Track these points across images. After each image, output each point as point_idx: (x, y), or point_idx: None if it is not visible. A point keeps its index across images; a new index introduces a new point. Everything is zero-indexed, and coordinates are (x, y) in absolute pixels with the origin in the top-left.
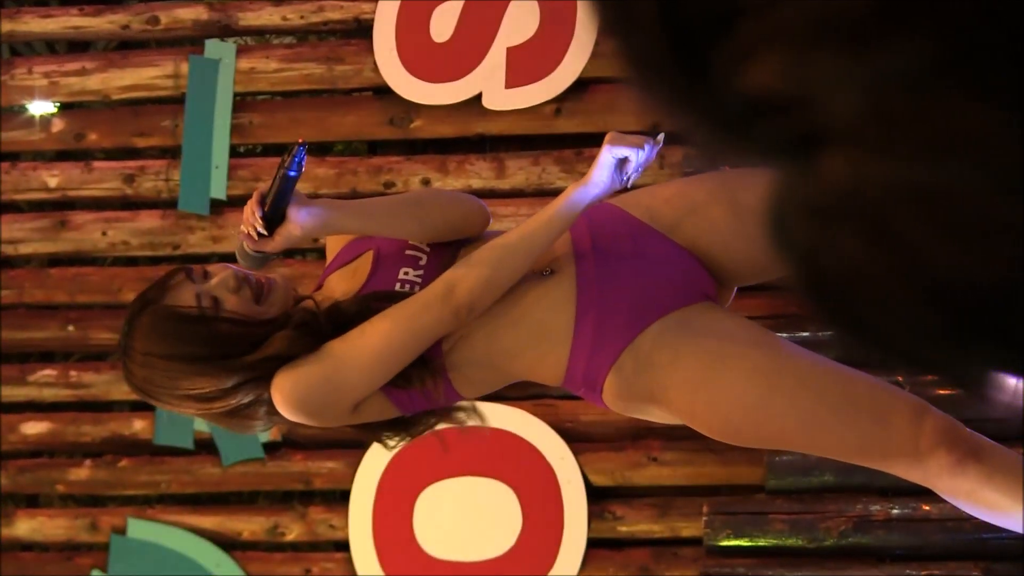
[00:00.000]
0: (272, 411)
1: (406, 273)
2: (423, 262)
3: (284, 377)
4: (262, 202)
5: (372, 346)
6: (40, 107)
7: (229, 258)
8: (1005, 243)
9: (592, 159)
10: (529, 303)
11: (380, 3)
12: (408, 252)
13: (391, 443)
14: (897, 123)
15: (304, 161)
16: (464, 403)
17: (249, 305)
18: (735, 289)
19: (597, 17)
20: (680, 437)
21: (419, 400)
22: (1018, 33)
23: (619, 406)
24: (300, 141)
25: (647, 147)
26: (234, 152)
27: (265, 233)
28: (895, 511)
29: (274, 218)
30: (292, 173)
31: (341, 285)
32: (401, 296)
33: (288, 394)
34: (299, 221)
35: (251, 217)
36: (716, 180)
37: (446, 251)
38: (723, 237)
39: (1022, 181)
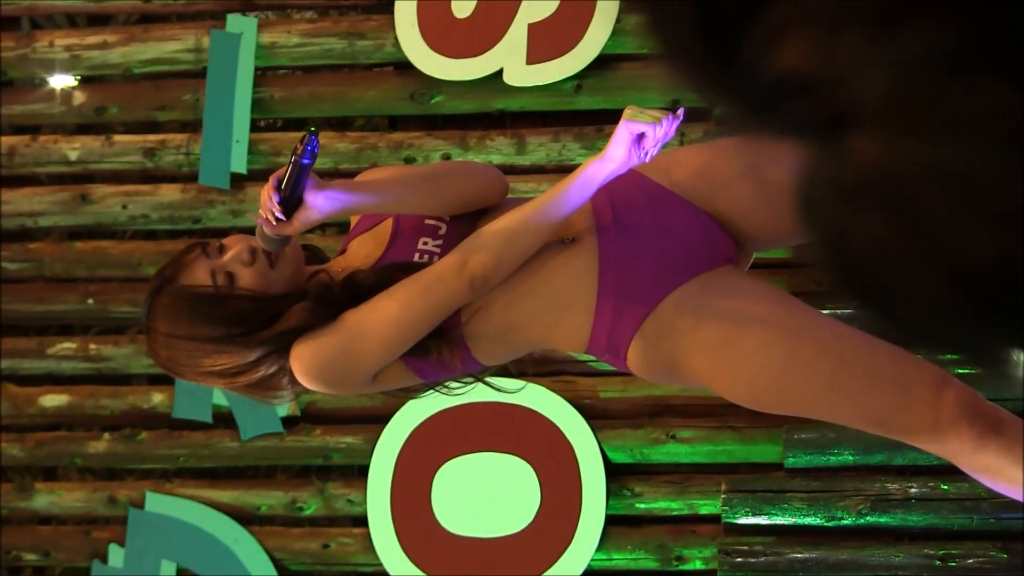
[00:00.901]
0: (295, 380)
1: (425, 243)
2: (442, 231)
3: (302, 348)
4: (278, 187)
5: (388, 318)
6: (61, 80)
7: (249, 232)
8: None
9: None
10: (550, 271)
11: None
12: (428, 221)
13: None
14: (923, 105)
15: (316, 148)
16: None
17: (264, 275)
18: (753, 254)
19: (631, 5)
20: (698, 414)
21: (437, 369)
22: None
23: (643, 371)
24: (312, 128)
25: (666, 122)
26: (255, 126)
27: (283, 218)
28: (913, 490)
29: (291, 202)
30: (306, 161)
31: (362, 250)
32: (418, 267)
33: (307, 365)
34: (316, 206)
35: (268, 202)
36: (737, 145)
37: (466, 219)
38: (742, 203)
39: None
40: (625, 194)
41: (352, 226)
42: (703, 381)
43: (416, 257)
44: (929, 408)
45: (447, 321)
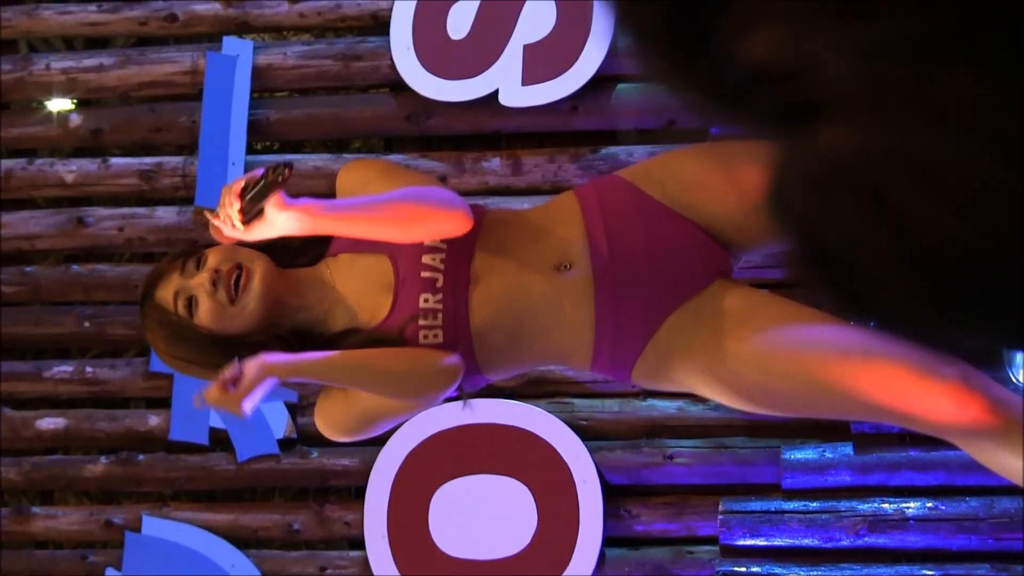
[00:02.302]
0: None
1: (426, 301)
2: (440, 284)
3: (323, 421)
4: (242, 193)
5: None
6: (58, 104)
7: None
8: (998, 212)
9: (609, 157)
10: (549, 299)
11: (397, 0)
12: (425, 275)
13: None
14: (892, 93)
15: (288, 178)
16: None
17: (221, 310)
18: (741, 257)
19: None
20: (696, 436)
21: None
22: (1009, 4)
23: (651, 386)
24: (289, 163)
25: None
26: (251, 149)
27: (239, 226)
28: (911, 511)
29: (251, 211)
30: (272, 188)
31: (354, 280)
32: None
33: (331, 433)
34: (277, 223)
35: (228, 208)
36: (724, 151)
37: (462, 263)
38: (733, 211)
39: (1015, 150)
40: (619, 211)
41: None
42: (710, 395)
43: (420, 319)
44: (935, 396)
45: (458, 349)
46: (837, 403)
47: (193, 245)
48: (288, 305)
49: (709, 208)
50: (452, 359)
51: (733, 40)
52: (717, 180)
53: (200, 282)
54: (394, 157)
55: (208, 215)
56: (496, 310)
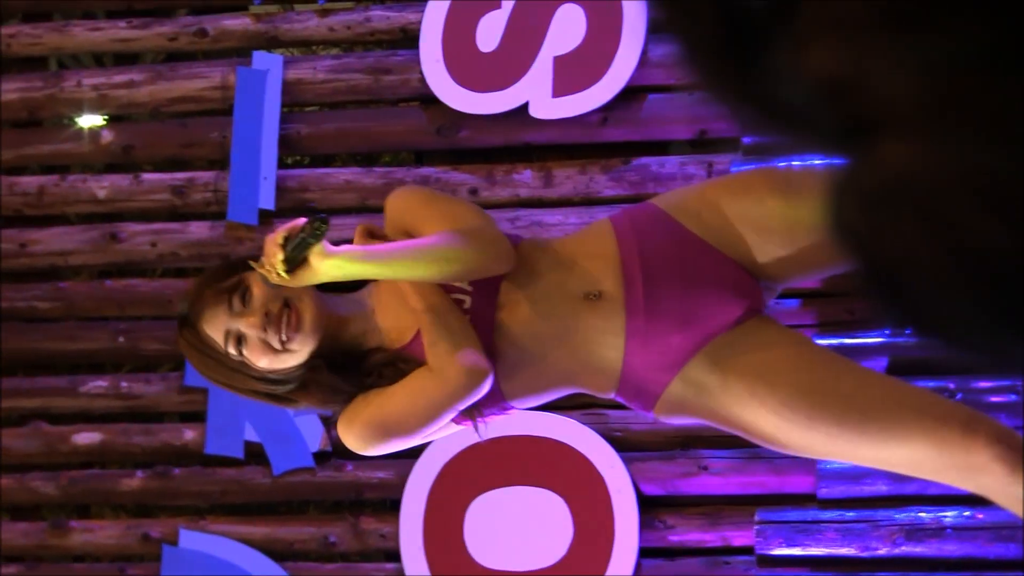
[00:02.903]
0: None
1: None
2: (467, 305)
3: (346, 432)
4: (284, 244)
5: (420, 416)
6: (89, 120)
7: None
8: None
9: (640, 168)
10: (578, 327)
11: (426, 13)
12: (452, 296)
13: None
14: (952, 109)
15: (326, 229)
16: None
17: (274, 355)
18: (778, 289)
19: (656, 11)
20: (730, 446)
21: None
22: None
23: (673, 420)
24: (324, 218)
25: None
26: (282, 163)
27: (285, 276)
28: (948, 519)
29: (295, 261)
30: (311, 240)
31: (391, 305)
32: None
33: (355, 446)
34: (320, 270)
35: (272, 258)
36: (766, 180)
37: (491, 286)
38: (772, 243)
39: None
40: (656, 242)
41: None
42: (735, 431)
43: None
44: (960, 448)
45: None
46: (861, 450)
47: (229, 264)
48: (337, 336)
49: (746, 242)
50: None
51: (790, 56)
52: (754, 212)
53: (251, 324)
54: (425, 170)
55: (254, 265)
56: (522, 334)
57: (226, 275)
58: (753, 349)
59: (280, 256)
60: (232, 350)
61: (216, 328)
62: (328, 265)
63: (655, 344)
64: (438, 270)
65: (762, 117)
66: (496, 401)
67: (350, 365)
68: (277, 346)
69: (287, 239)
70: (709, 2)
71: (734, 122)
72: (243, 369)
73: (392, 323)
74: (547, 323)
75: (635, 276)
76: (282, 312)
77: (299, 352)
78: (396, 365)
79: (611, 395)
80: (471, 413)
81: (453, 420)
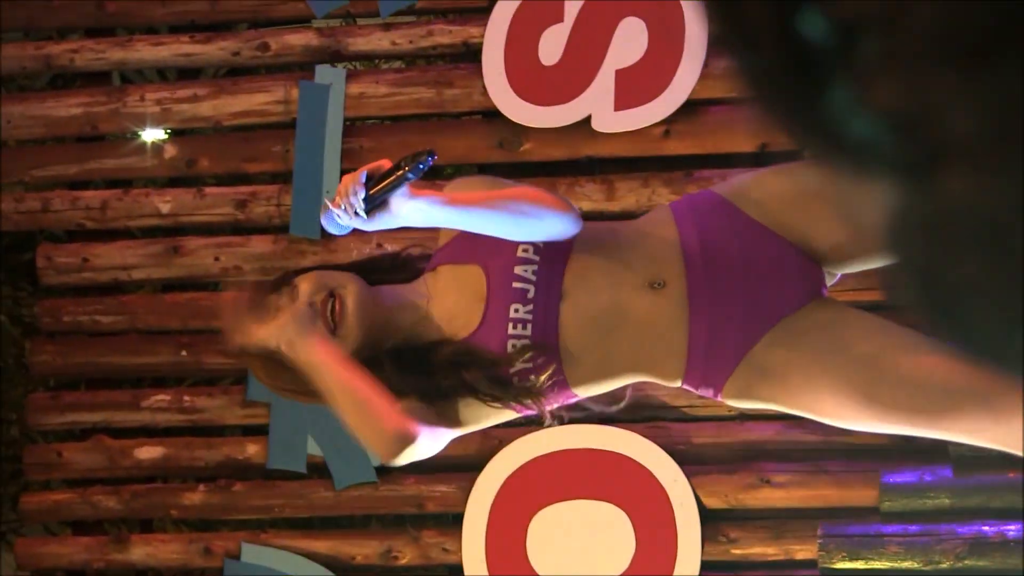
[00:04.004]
0: None
1: (516, 311)
2: (530, 295)
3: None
4: (367, 182)
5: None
6: (152, 134)
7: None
8: None
9: (702, 181)
10: (641, 317)
11: (489, 27)
12: (516, 285)
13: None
14: (1016, 141)
15: (427, 169)
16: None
17: None
18: (838, 275)
19: (716, 36)
20: (793, 459)
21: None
22: None
23: (740, 405)
24: (431, 151)
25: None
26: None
27: (364, 216)
28: (1012, 533)
29: (374, 200)
30: (411, 176)
31: (450, 292)
32: (500, 361)
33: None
34: (402, 214)
35: (352, 196)
36: (820, 169)
37: (554, 276)
38: (833, 228)
39: None
40: (716, 228)
41: (441, 243)
42: (803, 412)
43: (510, 328)
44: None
45: (547, 360)
46: (918, 425)
47: (282, 275)
48: (387, 325)
49: (805, 227)
50: None
51: (854, 88)
52: (814, 198)
53: None
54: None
55: (327, 203)
56: (587, 325)
57: (278, 281)
58: (815, 330)
59: (362, 194)
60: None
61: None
62: (410, 208)
63: (719, 331)
64: (513, 220)
65: (824, 146)
66: (560, 388)
67: (415, 361)
68: (324, 333)
69: (371, 177)
70: (771, 32)
71: (796, 149)
72: (296, 367)
73: (454, 311)
74: (612, 308)
75: (696, 264)
76: (326, 301)
77: (348, 338)
78: (464, 361)
79: (678, 383)
80: (535, 400)
81: (516, 408)
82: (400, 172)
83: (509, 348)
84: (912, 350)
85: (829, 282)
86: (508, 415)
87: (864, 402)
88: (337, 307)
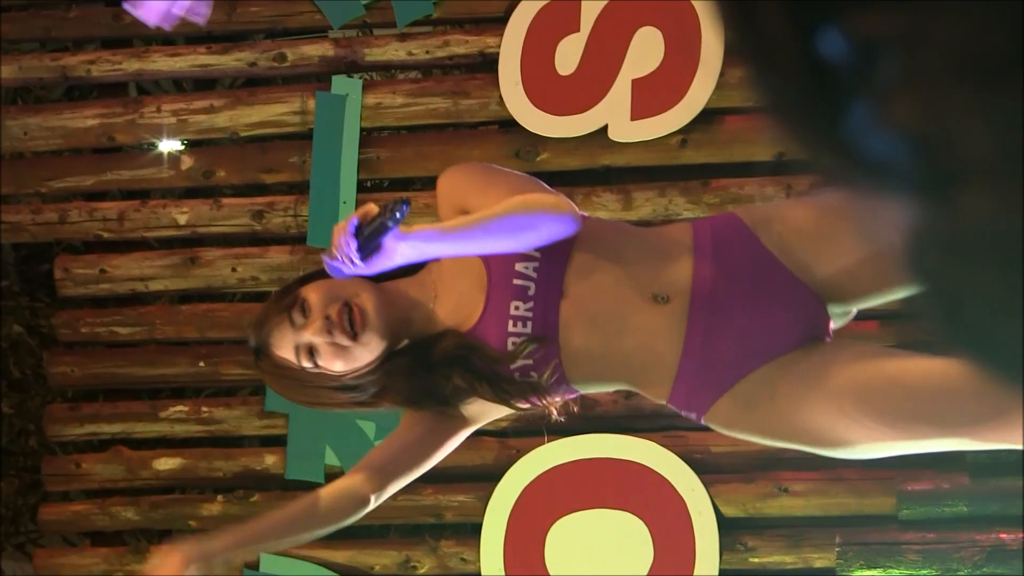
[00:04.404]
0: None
1: (516, 308)
2: (532, 292)
3: None
4: (356, 232)
5: None
6: (169, 144)
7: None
8: None
9: (719, 190)
10: (639, 328)
11: (505, 36)
12: (517, 282)
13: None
14: None
15: (406, 214)
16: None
17: (345, 352)
18: (854, 311)
19: (737, 56)
20: (811, 467)
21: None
22: None
23: (723, 431)
24: (406, 199)
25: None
26: (361, 187)
27: (360, 264)
28: None
29: (368, 247)
30: (392, 225)
31: (454, 284)
32: (503, 358)
33: None
34: (396, 253)
35: (345, 248)
36: (844, 202)
37: (555, 273)
38: (849, 265)
39: None
40: (730, 256)
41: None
42: (789, 444)
43: (510, 325)
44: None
45: (547, 357)
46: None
47: (285, 287)
48: (402, 323)
49: (821, 264)
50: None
51: (873, 107)
52: (832, 233)
53: (315, 331)
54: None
55: (324, 255)
56: (586, 324)
57: (283, 296)
58: (807, 366)
59: (354, 244)
60: (307, 364)
61: (286, 348)
62: (404, 247)
63: (711, 357)
64: (510, 239)
65: (842, 164)
66: (561, 383)
67: (421, 359)
68: (347, 343)
69: (360, 226)
70: (791, 51)
71: (813, 167)
72: (322, 383)
73: (456, 304)
74: (611, 314)
75: (704, 286)
76: (342, 312)
77: (371, 346)
78: (465, 356)
79: (663, 401)
80: (539, 394)
81: (524, 403)
82: (379, 219)
83: (509, 346)
84: (908, 359)
85: (842, 322)
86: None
87: (859, 419)
88: (357, 316)
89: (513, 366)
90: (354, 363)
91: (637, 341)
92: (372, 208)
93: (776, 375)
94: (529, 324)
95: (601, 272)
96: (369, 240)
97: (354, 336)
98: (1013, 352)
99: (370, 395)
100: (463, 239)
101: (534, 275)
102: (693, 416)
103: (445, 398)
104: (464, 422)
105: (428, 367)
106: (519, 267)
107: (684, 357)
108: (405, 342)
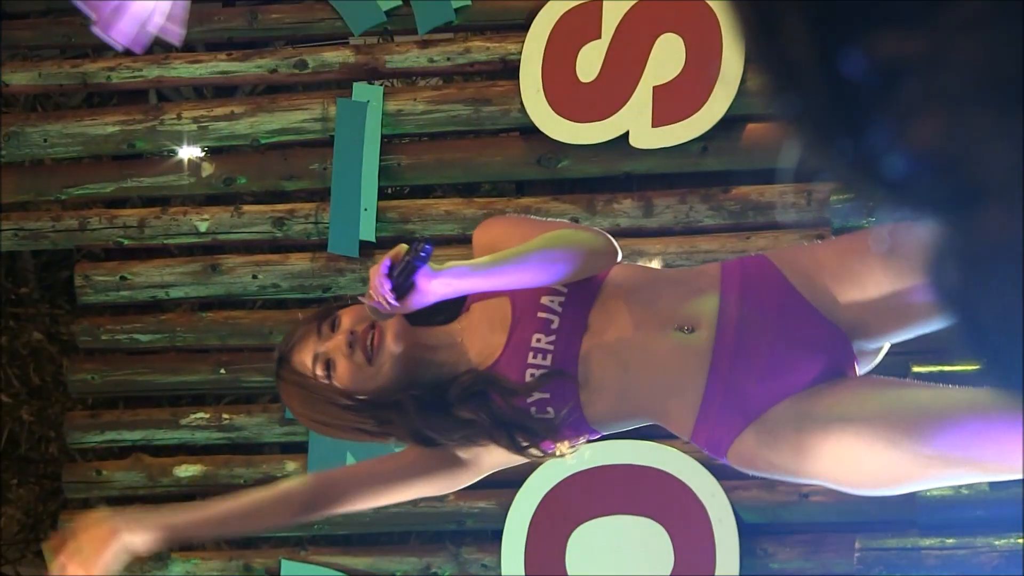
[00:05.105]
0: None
1: (538, 341)
2: (554, 325)
3: None
4: (389, 273)
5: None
6: (189, 151)
7: None
8: None
9: (740, 196)
10: (663, 359)
11: (526, 43)
12: (541, 315)
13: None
14: None
15: (431, 253)
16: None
17: (358, 371)
18: (885, 348)
19: (759, 73)
20: None
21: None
22: None
23: (747, 469)
24: (427, 240)
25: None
26: (382, 194)
27: (396, 304)
28: None
29: (403, 287)
30: (418, 264)
31: (479, 327)
32: (516, 389)
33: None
34: (430, 291)
35: (380, 288)
36: (871, 241)
37: (581, 309)
38: (874, 303)
39: None
40: (757, 294)
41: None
42: (813, 479)
43: (530, 357)
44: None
45: (565, 391)
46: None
47: (326, 306)
48: (423, 363)
49: (848, 303)
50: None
51: (894, 125)
52: (858, 272)
53: (337, 345)
54: (525, 201)
55: (362, 300)
56: (607, 360)
57: (322, 312)
58: (831, 400)
59: (388, 285)
60: (320, 372)
61: (306, 354)
62: (437, 284)
63: (735, 391)
64: (548, 271)
65: (863, 183)
66: (578, 421)
67: (436, 398)
68: (361, 362)
69: (392, 266)
70: (812, 70)
71: (833, 182)
72: (332, 399)
73: (480, 346)
74: (636, 346)
75: (729, 322)
76: (367, 332)
77: (384, 372)
78: (482, 390)
79: (687, 437)
80: (554, 435)
81: (536, 451)
82: (408, 259)
83: (527, 377)
84: (934, 389)
85: (874, 361)
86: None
87: (886, 450)
88: (376, 340)
89: (530, 399)
90: (363, 384)
91: (661, 371)
92: (402, 248)
93: (801, 408)
94: (549, 356)
95: (627, 307)
96: (402, 279)
97: (370, 358)
98: None
99: (376, 425)
100: (496, 273)
101: (559, 309)
102: (716, 453)
103: (452, 438)
104: (463, 466)
105: (443, 406)
106: (544, 300)
107: (709, 388)
108: (420, 382)
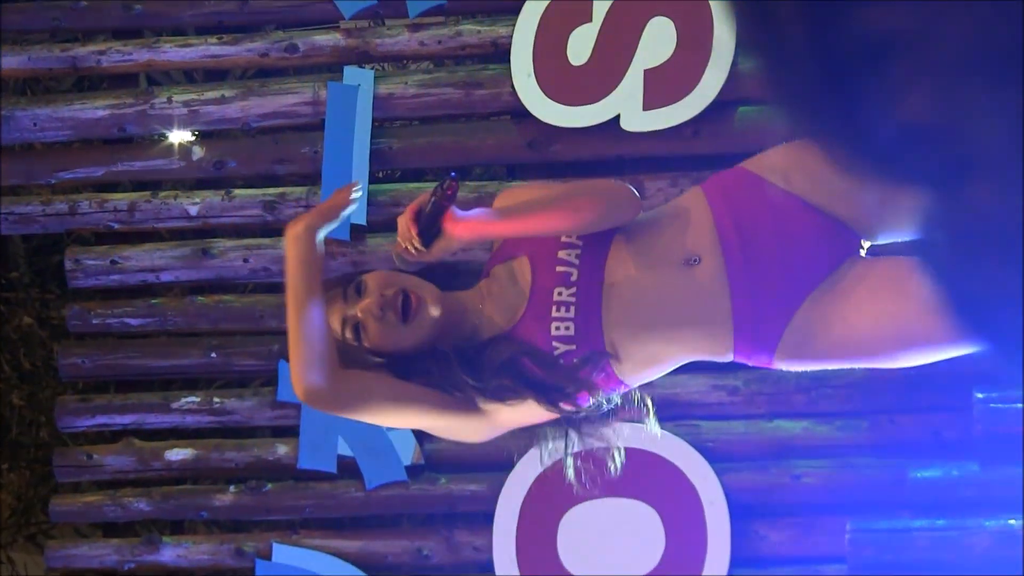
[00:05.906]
0: None
1: (559, 294)
2: (574, 277)
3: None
4: (417, 218)
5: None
6: (180, 135)
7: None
8: None
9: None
10: (681, 294)
11: (517, 27)
12: (560, 268)
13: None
14: None
15: (457, 191)
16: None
17: (392, 331)
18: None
19: (750, 51)
20: (823, 455)
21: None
22: None
23: (794, 367)
24: (453, 175)
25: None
26: (373, 178)
27: (423, 248)
28: None
29: (430, 232)
30: (447, 203)
31: (501, 289)
32: (547, 358)
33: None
34: (457, 235)
35: (407, 233)
36: None
37: (597, 259)
38: (858, 195)
39: None
40: (747, 202)
41: (494, 249)
42: (851, 363)
43: (553, 310)
44: None
45: (590, 342)
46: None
47: (346, 272)
48: (451, 325)
49: (834, 194)
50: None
51: (887, 100)
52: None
53: (367, 307)
54: (516, 184)
55: (390, 248)
56: (629, 308)
57: (344, 278)
58: (847, 284)
59: (414, 231)
60: (348, 335)
61: (333, 317)
62: (462, 229)
63: (761, 300)
64: (573, 218)
65: (854, 155)
66: (610, 379)
67: (466, 359)
68: (394, 322)
69: (419, 212)
70: (806, 45)
71: (823, 153)
72: (365, 359)
73: (503, 306)
74: (652, 289)
75: (730, 237)
76: (398, 295)
77: (419, 332)
78: (518, 359)
79: (729, 357)
80: (590, 390)
81: (577, 397)
82: (435, 200)
83: (552, 330)
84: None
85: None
86: (549, 415)
87: (913, 316)
88: (413, 302)
89: (557, 353)
90: (396, 343)
91: (683, 308)
92: (426, 195)
93: (825, 299)
94: (572, 308)
95: (636, 254)
96: (429, 224)
97: (405, 319)
98: (1013, 335)
99: (401, 368)
100: (521, 218)
101: (576, 262)
102: (763, 361)
103: (486, 393)
104: (481, 415)
105: (476, 367)
106: (561, 254)
107: (736, 308)
108: (456, 340)
